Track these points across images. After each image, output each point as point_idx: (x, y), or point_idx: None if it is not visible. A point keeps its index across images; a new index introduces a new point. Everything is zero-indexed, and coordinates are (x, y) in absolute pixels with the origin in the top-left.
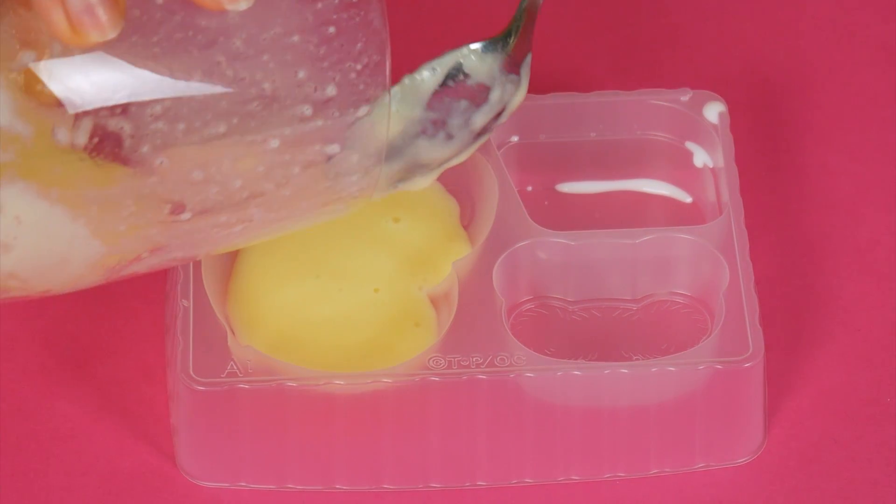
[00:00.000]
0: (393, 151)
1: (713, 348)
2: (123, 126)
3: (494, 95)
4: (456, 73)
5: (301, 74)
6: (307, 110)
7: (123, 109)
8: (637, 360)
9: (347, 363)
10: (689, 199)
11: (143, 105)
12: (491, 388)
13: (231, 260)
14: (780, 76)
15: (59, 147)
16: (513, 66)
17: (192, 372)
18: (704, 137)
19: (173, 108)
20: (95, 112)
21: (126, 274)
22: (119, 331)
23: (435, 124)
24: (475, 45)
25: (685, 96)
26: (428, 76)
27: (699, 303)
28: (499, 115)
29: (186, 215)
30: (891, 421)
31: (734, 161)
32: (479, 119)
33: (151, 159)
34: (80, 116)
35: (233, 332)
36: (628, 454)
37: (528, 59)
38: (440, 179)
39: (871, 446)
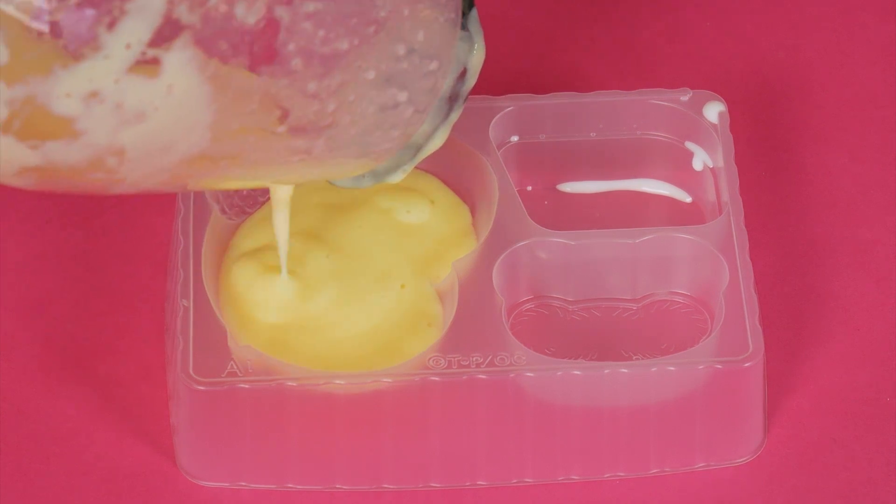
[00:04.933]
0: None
1: (713, 348)
2: (283, 16)
3: None
4: None
5: (405, 11)
6: (401, 49)
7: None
8: (637, 359)
9: (357, 362)
10: (689, 199)
11: (302, 1)
12: (491, 387)
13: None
14: (780, 76)
15: (233, 22)
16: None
17: (192, 372)
18: (704, 137)
19: (321, 13)
20: None
21: (182, 185)
22: (119, 331)
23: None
24: None
25: (685, 96)
26: None
27: (699, 303)
28: (462, 76)
29: (283, 128)
30: (891, 421)
31: (734, 161)
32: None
33: (291, 58)
34: None
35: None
36: (628, 454)
37: (474, 13)
38: (447, 183)
39: (871, 446)
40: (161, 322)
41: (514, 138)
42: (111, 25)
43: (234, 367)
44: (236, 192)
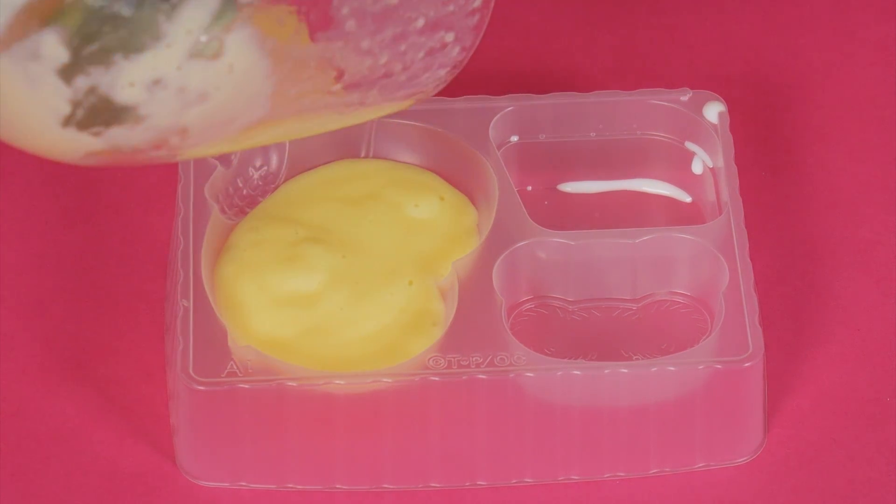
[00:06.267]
0: None
1: (713, 348)
2: None
3: None
4: None
5: None
6: None
7: None
8: (637, 360)
9: (362, 361)
10: (688, 199)
11: None
12: (491, 387)
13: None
14: (780, 76)
15: None
16: None
17: (192, 372)
18: (704, 137)
19: None
20: None
21: (238, 146)
22: (119, 331)
23: None
24: None
25: (685, 96)
26: None
27: (699, 303)
28: None
29: (338, 86)
30: (891, 421)
31: (734, 161)
32: None
33: (345, 21)
34: None
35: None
36: (628, 454)
37: None
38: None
39: (871, 446)
40: (161, 322)
41: (514, 138)
42: (171, 14)
43: (234, 367)
44: (236, 192)
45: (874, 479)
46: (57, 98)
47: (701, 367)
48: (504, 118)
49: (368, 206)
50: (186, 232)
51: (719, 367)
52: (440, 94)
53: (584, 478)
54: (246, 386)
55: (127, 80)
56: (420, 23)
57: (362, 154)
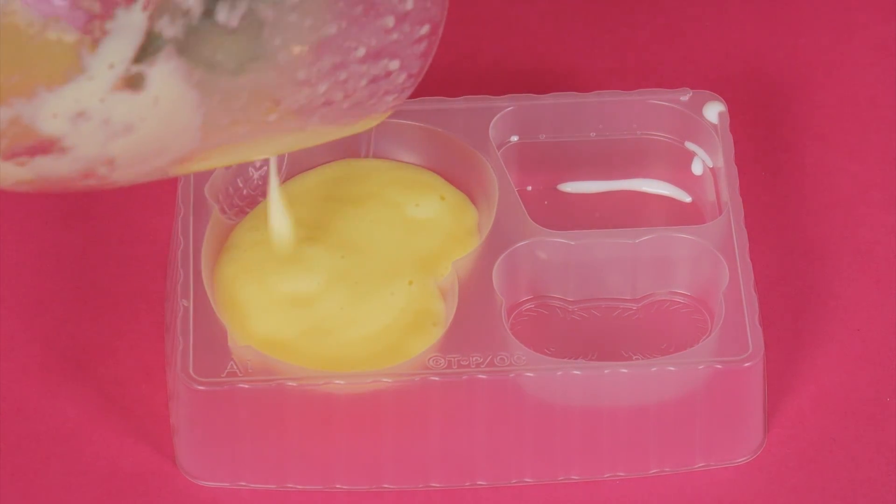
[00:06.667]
0: None
1: (713, 348)
2: (268, 13)
3: None
4: None
5: None
6: (390, 21)
7: None
8: (637, 360)
9: (363, 362)
10: (688, 199)
11: None
12: (491, 387)
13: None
14: (780, 76)
15: (216, 26)
16: None
17: (192, 372)
18: (704, 137)
19: (306, 3)
20: None
21: (171, 174)
22: (119, 331)
23: None
24: None
25: (685, 96)
26: None
27: (699, 303)
28: None
29: (274, 116)
30: (891, 421)
31: (734, 161)
32: None
33: (277, 53)
34: None
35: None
36: (628, 454)
37: None
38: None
39: (871, 446)
40: (161, 322)
41: (514, 138)
42: (93, 47)
43: (234, 367)
44: (236, 192)
45: (874, 479)
46: None
47: (701, 367)
48: (504, 118)
49: (369, 205)
50: (186, 232)
51: (719, 367)
52: (440, 94)
53: (584, 478)
54: (246, 386)
55: (50, 111)
56: (361, 52)
57: (362, 154)
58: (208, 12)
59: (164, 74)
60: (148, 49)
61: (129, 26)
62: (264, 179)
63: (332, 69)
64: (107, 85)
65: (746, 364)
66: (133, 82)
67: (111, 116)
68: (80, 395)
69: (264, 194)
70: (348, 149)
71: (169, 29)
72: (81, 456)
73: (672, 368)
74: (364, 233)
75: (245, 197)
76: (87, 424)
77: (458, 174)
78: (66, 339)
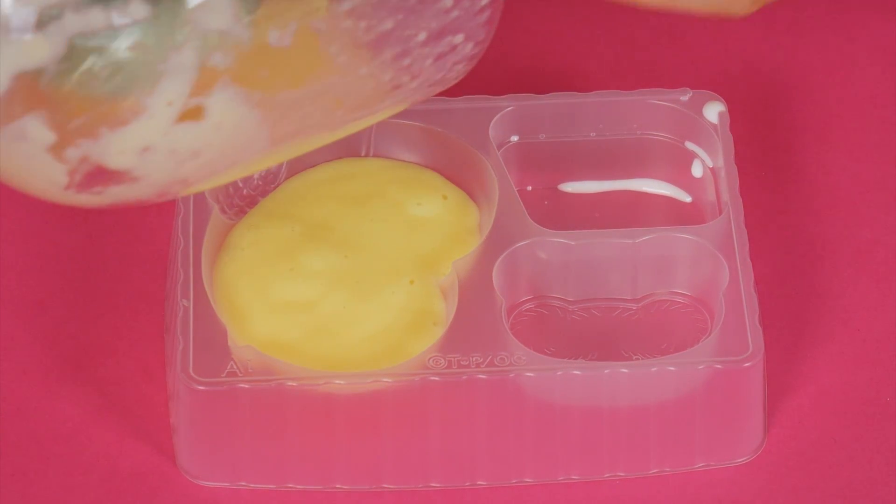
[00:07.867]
0: None
1: (713, 348)
2: (321, 25)
3: None
4: None
5: None
6: (449, 2)
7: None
8: (637, 359)
9: (363, 362)
10: (688, 199)
11: (335, 2)
12: (491, 387)
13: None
14: (780, 76)
15: (269, 48)
16: None
17: (192, 372)
18: (704, 137)
19: (359, 7)
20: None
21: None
22: (119, 331)
23: None
24: None
25: (685, 96)
26: None
27: (699, 302)
28: None
29: (341, 111)
30: (891, 421)
31: (734, 161)
32: None
33: (335, 58)
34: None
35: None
36: (628, 454)
37: None
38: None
39: (871, 446)
40: (161, 322)
41: (514, 138)
42: (149, 89)
43: (234, 367)
44: (236, 192)
45: (874, 479)
46: (52, 171)
47: (701, 367)
48: (504, 118)
49: (370, 204)
50: (186, 232)
51: (719, 367)
52: (440, 94)
53: (584, 478)
54: (246, 386)
55: (116, 149)
56: (422, 36)
57: (362, 154)
58: (261, 37)
59: (222, 102)
60: (204, 83)
61: (182, 66)
62: (265, 179)
63: (394, 58)
64: (168, 121)
65: (746, 364)
66: (194, 114)
67: (176, 147)
68: (80, 396)
69: (264, 194)
70: (349, 148)
71: (223, 61)
72: (81, 456)
73: (672, 368)
74: (366, 232)
75: (245, 197)
76: (87, 424)
77: (458, 174)
78: (66, 340)
